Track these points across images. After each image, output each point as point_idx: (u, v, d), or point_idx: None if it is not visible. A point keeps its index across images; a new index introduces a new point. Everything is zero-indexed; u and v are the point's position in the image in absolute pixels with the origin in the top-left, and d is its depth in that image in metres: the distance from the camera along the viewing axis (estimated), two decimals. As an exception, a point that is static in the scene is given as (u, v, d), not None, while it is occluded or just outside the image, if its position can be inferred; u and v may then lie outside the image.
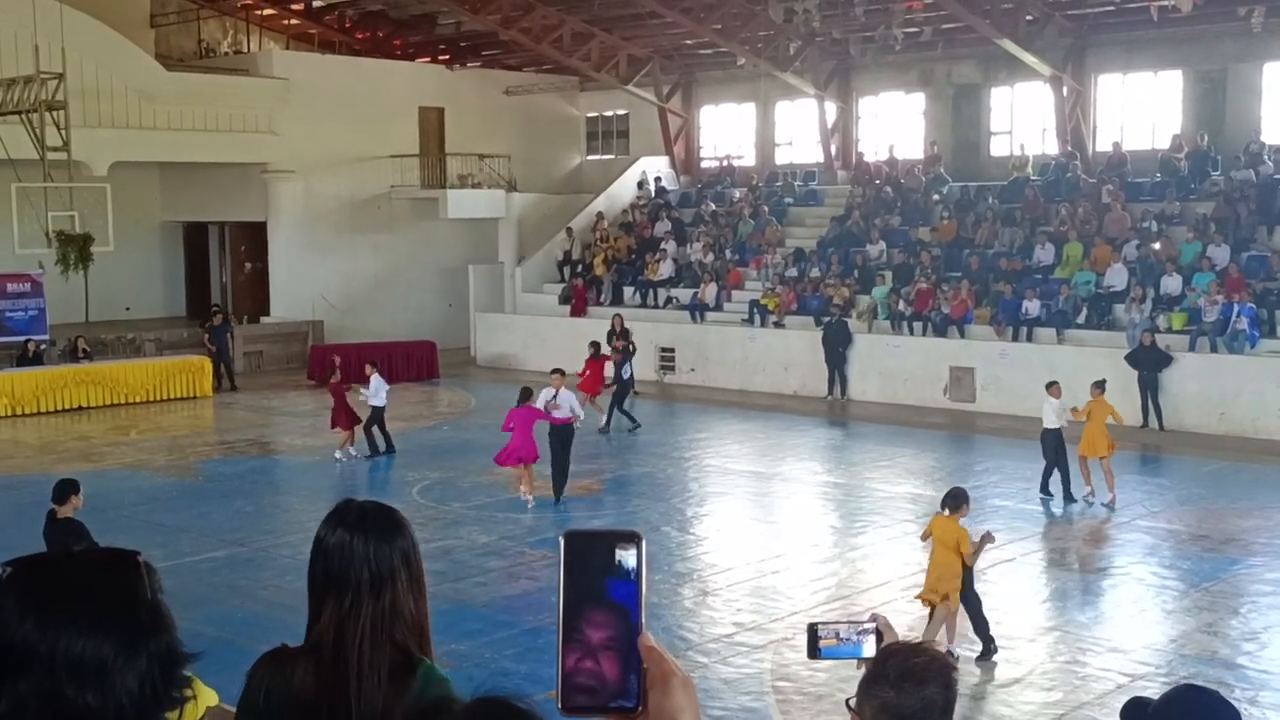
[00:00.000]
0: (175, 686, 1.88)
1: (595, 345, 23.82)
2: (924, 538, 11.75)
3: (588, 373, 23.49)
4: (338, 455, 20.40)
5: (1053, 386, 17.40)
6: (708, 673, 11.01)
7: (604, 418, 23.18)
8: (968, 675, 10.76)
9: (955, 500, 11.43)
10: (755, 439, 22.89)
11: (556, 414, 17.42)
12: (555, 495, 17.32)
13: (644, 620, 1.83)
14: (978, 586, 13.80)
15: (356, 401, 20.56)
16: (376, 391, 20.52)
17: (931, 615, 11.28)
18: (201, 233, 36.81)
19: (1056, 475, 17.28)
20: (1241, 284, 23.28)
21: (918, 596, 11.53)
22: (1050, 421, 17.13)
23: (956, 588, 11.17)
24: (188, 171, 33.81)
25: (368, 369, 20.96)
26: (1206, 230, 25.12)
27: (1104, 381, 17.83)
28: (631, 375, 23.82)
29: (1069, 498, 17.16)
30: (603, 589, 1.86)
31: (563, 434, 17.45)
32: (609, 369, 23.97)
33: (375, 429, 20.62)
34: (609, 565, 1.87)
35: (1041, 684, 10.91)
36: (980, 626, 11.35)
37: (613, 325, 26.05)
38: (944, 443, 22.46)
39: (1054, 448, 17.17)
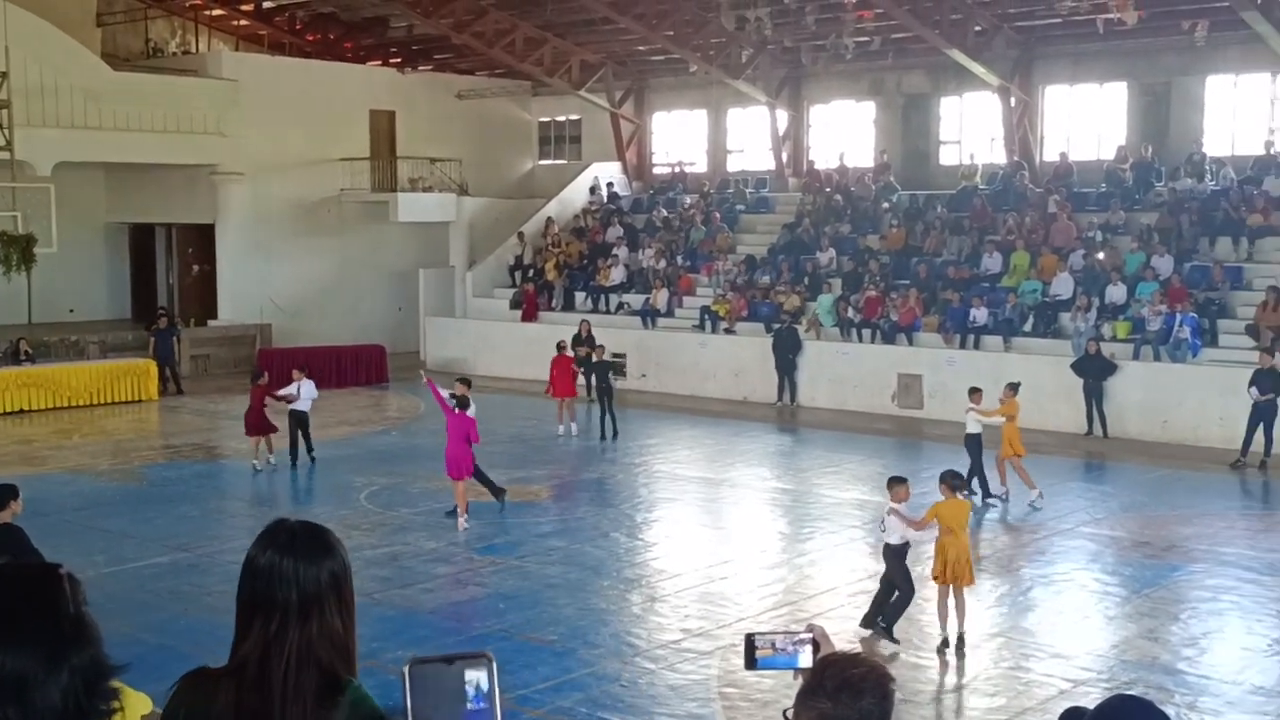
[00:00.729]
0: (100, 699, 1.86)
1: (561, 344, 23.87)
2: (921, 525, 11.86)
3: (555, 373, 23.50)
4: (256, 465, 19.83)
5: (975, 393, 17.76)
6: (655, 679, 11.03)
7: (574, 424, 23.15)
8: (911, 681, 10.84)
9: (959, 481, 12.03)
10: (705, 445, 22.95)
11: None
12: (498, 499, 17.24)
13: None
14: (926, 591, 13.93)
15: (281, 408, 20.06)
16: (304, 396, 19.98)
17: (958, 597, 11.69)
18: (148, 234, 36.45)
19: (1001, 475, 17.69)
20: (1184, 294, 23.60)
21: (960, 583, 11.68)
22: (972, 427, 17.58)
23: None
24: (134, 172, 33.48)
25: (295, 374, 20.37)
26: (1150, 240, 25.45)
27: (1018, 384, 18.22)
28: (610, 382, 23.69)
29: (973, 491, 17.48)
30: (455, 717, 1.82)
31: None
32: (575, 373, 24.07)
33: (300, 435, 20.02)
34: (459, 690, 1.83)
35: (985, 689, 10.99)
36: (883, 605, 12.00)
37: (579, 331, 26.12)
38: (892, 449, 22.60)
39: (977, 451, 17.60)
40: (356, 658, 2.78)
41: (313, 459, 20.20)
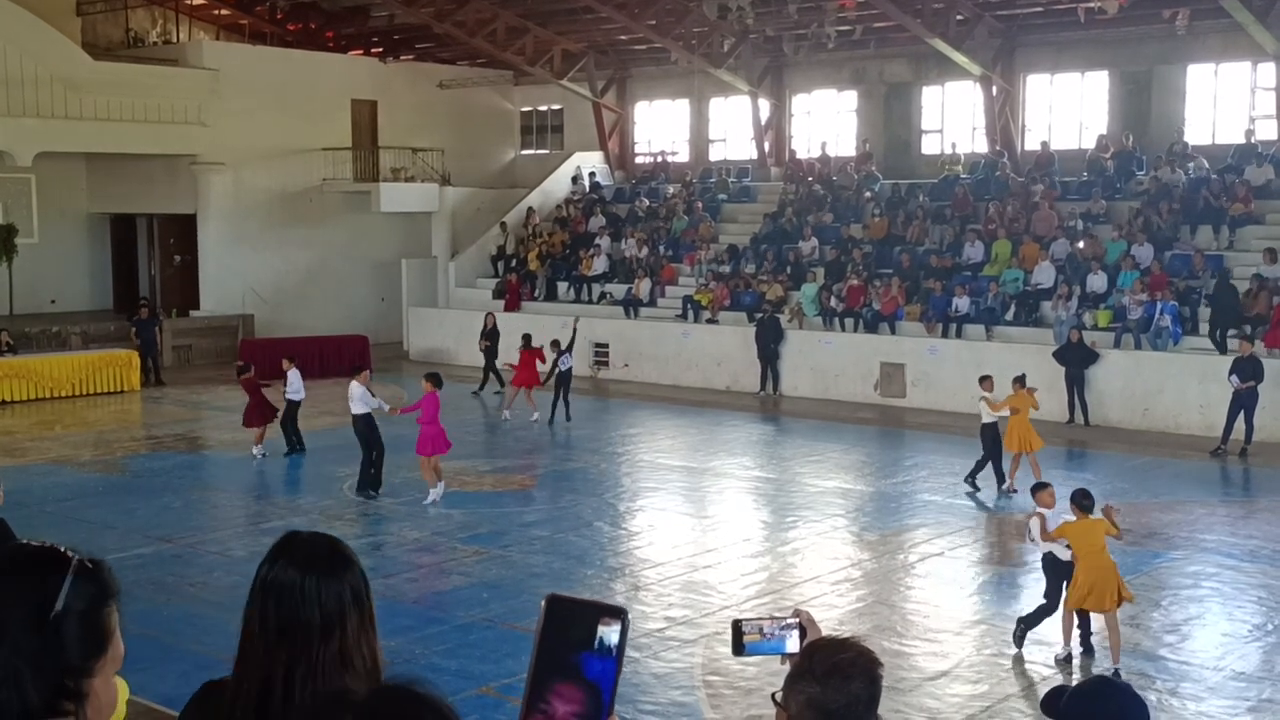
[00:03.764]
0: (50, 695, 1.86)
1: (526, 337, 23.86)
2: (1047, 537, 11.24)
3: (520, 365, 23.50)
4: (256, 453, 20.03)
5: (985, 381, 17.56)
6: (639, 668, 11.04)
7: (536, 411, 23.15)
8: (895, 669, 10.88)
9: (1089, 501, 11.20)
10: (688, 434, 22.97)
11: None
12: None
13: (614, 702, 1.79)
14: (909, 579, 13.98)
15: (275, 396, 20.24)
16: (296, 387, 20.15)
17: (1109, 621, 10.94)
18: (129, 225, 36.30)
19: (989, 469, 17.51)
20: (1164, 282, 23.69)
21: (1102, 607, 10.95)
22: (987, 416, 17.35)
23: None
24: (115, 163, 33.34)
25: (285, 364, 20.46)
26: (1131, 229, 25.54)
27: (1024, 375, 18.10)
28: (570, 369, 23.74)
29: (1001, 492, 17.42)
30: (577, 663, 1.83)
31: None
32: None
33: (290, 424, 20.25)
34: (588, 639, 1.83)
35: (968, 676, 11.05)
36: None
37: (485, 323, 27.00)
38: (874, 438, 22.67)
39: (991, 441, 17.37)
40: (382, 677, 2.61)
41: (287, 453, 20.14)
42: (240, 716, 2.51)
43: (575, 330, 24.79)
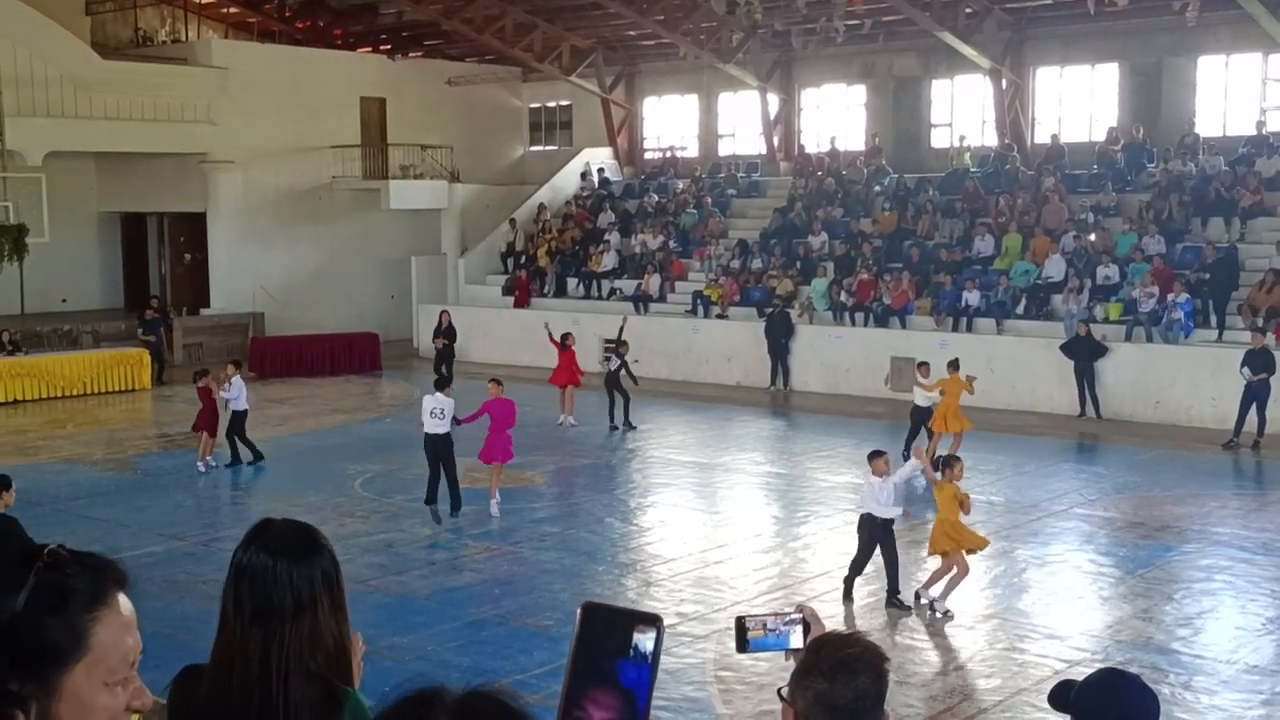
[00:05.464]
0: None
1: (565, 336, 23.56)
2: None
3: (560, 364, 23.17)
4: (200, 466, 18.97)
5: (922, 367, 19.00)
6: (650, 663, 11.03)
7: (570, 416, 22.82)
8: (906, 663, 10.88)
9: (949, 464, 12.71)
10: (698, 430, 22.95)
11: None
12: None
13: (650, 709, 1.80)
14: (919, 574, 13.98)
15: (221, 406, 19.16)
16: (237, 395, 18.96)
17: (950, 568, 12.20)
18: (140, 223, 36.40)
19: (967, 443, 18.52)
20: (1170, 275, 23.58)
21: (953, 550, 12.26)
22: (919, 399, 18.78)
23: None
24: (125, 161, 33.41)
25: (229, 369, 19.27)
26: (1142, 222, 25.47)
27: (957, 360, 19.11)
28: (617, 369, 23.23)
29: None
30: (614, 670, 1.83)
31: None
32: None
33: (237, 436, 19.12)
34: (624, 646, 1.83)
35: (980, 671, 11.03)
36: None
37: (440, 320, 27.34)
38: (885, 433, 22.55)
39: (921, 421, 18.84)
40: (353, 662, 2.70)
41: (250, 462, 19.29)
42: (218, 694, 2.57)
43: (622, 329, 23.92)
